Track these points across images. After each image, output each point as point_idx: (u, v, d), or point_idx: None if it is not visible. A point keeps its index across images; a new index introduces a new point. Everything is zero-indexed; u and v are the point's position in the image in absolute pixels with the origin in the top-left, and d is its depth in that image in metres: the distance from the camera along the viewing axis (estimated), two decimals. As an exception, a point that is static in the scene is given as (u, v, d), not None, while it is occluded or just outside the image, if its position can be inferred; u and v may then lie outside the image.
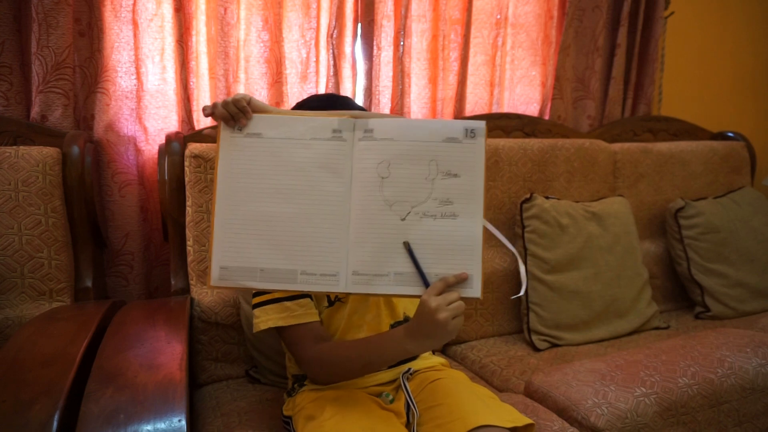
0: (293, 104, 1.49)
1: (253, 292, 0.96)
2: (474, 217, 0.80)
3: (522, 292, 0.89)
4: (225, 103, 0.81)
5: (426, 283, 0.80)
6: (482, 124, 0.81)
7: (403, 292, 0.81)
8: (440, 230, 0.80)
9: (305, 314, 0.92)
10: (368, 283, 0.80)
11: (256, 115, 0.82)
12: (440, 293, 0.79)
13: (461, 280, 0.79)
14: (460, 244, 0.79)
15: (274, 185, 0.81)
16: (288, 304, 0.92)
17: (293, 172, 0.81)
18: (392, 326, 0.99)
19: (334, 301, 0.97)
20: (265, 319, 0.92)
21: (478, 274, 0.79)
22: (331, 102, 0.99)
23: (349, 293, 0.84)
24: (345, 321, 0.96)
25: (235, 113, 0.81)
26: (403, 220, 0.80)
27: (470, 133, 0.80)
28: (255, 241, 0.81)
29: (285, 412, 0.98)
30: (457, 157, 0.80)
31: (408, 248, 0.80)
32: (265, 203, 0.81)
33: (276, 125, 0.82)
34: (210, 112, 0.83)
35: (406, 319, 1.03)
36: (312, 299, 0.95)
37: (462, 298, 0.79)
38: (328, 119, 0.82)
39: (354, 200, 0.80)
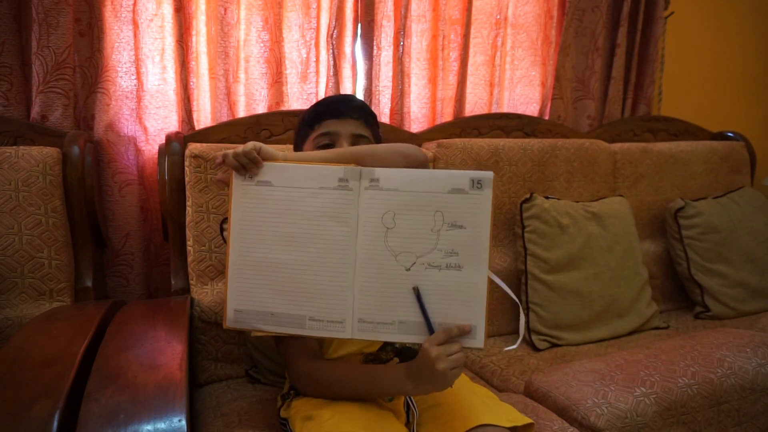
0: (293, 104, 1.51)
1: None
2: (479, 268, 0.79)
3: (516, 345, 0.94)
4: (236, 155, 0.82)
5: (431, 330, 0.80)
6: (489, 174, 0.80)
7: (406, 340, 0.82)
8: (445, 281, 0.80)
9: None
10: (373, 331, 0.82)
11: (266, 164, 0.83)
12: (442, 343, 0.78)
13: (464, 333, 0.79)
14: (464, 296, 0.80)
15: (284, 233, 0.82)
16: None
17: (302, 221, 0.82)
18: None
19: None
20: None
21: (482, 324, 0.79)
22: (345, 102, 1.00)
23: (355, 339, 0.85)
24: None
25: (246, 164, 0.82)
26: (408, 270, 0.80)
27: (477, 184, 0.80)
28: (266, 286, 0.83)
29: (282, 414, 0.98)
30: (462, 208, 0.80)
31: (417, 294, 0.80)
32: (275, 250, 0.83)
33: (285, 173, 0.83)
34: (221, 161, 0.84)
35: None
36: None
37: (465, 348, 0.79)
38: (335, 168, 0.82)
39: (360, 249, 0.81)
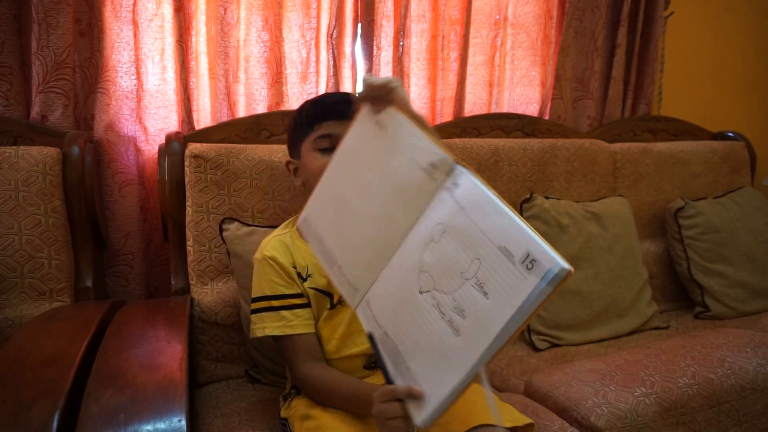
0: (293, 104, 1.51)
1: (252, 296, 0.98)
2: (471, 351, 0.61)
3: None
4: (371, 86, 0.79)
5: (387, 378, 0.70)
6: (554, 264, 0.56)
7: (376, 353, 0.74)
8: (438, 330, 0.65)
9: (300, 325, 0.94)
10: (367, 319, 0.76)
11: (389, 109, 0.79)
12: (387, 400, 0.69)
13: (411, 396, 0.65)
14: (443, 361, 0.64)
15: (366, 180, 0.80)
16: (284, 313, 0.94)
17: (384, 180, 0.78)
18: None
19: (336, 304, 0.97)
20: (261, 326, 0.94)
21: (437, 403, 0.63)
22: (347, 104, 0.96)
23: (352, 311, 0.81)
24: (344, 326, 0.96)
25: (377, 96, 0.79)
26: (420, 293, 0.68)
27: (529, 262, 0.58)
28: (331, 215, 0.84)
29: (282, 414, 0.98)
30: (499, 275, 0.60)
31: (371, 340, 0.73)
32: (352, 190, 0.82)
33: (400, 127, 0.78)
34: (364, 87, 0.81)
35: None
36: (311, 308, 0.96)
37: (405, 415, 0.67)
38: (433, 150, 0.72)
39: (403, 242, 0.74)
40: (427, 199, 0.72)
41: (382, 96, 0.78)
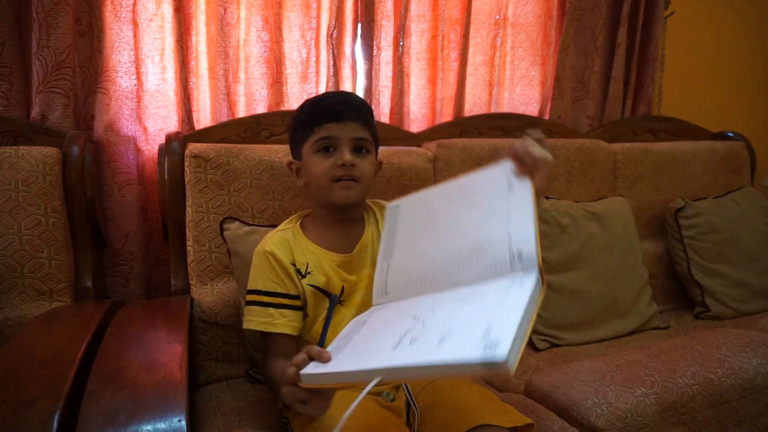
0: (293, 104, 1.51)
1: (247, 288, 0.99)
2: (387, 361, 0.64)
3: None
4: (530, 154, 0.78)
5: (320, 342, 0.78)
6: (502, 356, 0.53)
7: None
8: (387, 338, 0.70)
9: (283, 325, 0.95)
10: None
11: (528, 182, 0.78)
12: (291, 381, 0.72)
13: (320, 358, 0.70)
14: (365, 353, 0.71)
15: (464, 219, 0.83)
16: (272, 311, 0.96)
17: (476, 230, 0.79)
18: None
19: (337, 302, 0.98)
20: (248, 319, 0.97)
21: (325, 371, 0.68)
22: (345, 104, 0.98)
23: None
24: (345, 325, 0.95)
25: (528, 164, 0.79)
26: (393, 349, 0.66)
27: (490, 343, 0.55)
28: (416, 221, 0.91)
29: (284, 413, 0.98)
30: (463, 338, 0.61)
31: (331, 304, 0.86)
32: (447, 217, 0.86)
33: (519, 201, 0.77)
34: None
35: None
36: (301, 312, 0.97)
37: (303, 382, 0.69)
38: (530, 241, 0.71)
39: (447, 291, 0.76)
40: (492, 275, 0.72)
41: (530, 166, 0.78)
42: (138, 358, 0.86)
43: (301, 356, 0.72)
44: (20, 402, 0.70)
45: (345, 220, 1.03)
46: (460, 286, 0.75)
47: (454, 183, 0.89)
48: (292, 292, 0.97)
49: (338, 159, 0.96)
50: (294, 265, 0.98)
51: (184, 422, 0.69)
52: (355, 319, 0.87)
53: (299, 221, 1.06)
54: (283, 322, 0.95)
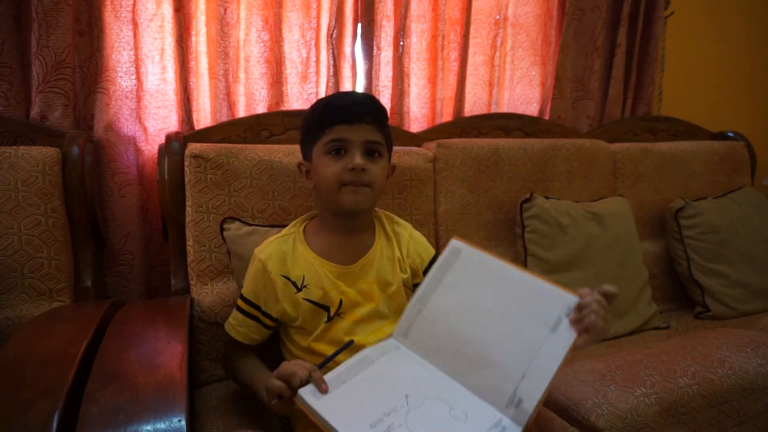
0: (293, 104, 1.51)
1: (241, 292, 1.02)
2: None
3: None
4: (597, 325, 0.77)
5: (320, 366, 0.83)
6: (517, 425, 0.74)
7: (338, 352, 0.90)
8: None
9: (242, 334, 1.01)
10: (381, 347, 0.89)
11: (574, 337, 0.79)
12: (283, 376, 0.80)
13: (319, 388, 0.78)
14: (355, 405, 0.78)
15: (499, 307, 0.85)
16: (249, 321, 1.00)
17: (517, 325, 0.82)
18: None
19: (333, 316, 0.97)
20: (231, 323, 1.03)
21: (317, 407, 0.76)
22: (359, 106, 0.96)
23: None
24: (342, 338, 0.96)
25: (580, 323, 0.79)
26: (371, 427, 0.75)
27: (515, 404, 0.75)
28: (469, 274, 0.92)
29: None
30: (482, 414, 0.76)
31: (349, 344, 0.89)
32: (494, 291, 0.88)
33: (557, 344, 0.79)
34: None
35: None
36: (261, 325, 1.00)
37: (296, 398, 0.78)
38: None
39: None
40: (487, 397, 0.78)
41: (585, 325, 0.77)
42: (138, 358, 0.86)
43: (300, 376, 0.78)
44: (20, 402, 0.70)
45: (353, 229, 1.01)
46: (458, 386, 0.80)
47: (520, 274, 0.87)
48: (272, 312, 0.99)
49: (348, 162, 0.92)
50: (287, 278, 0.97)
51: (184, 422, 0.69)
52: (366, 352, 0.88)
53: (303, 225, 1.05)
54: (244, 331, 1.01)
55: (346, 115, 0.93)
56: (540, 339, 0.78)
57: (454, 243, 0.94)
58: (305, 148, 1.02)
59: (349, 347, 0.90)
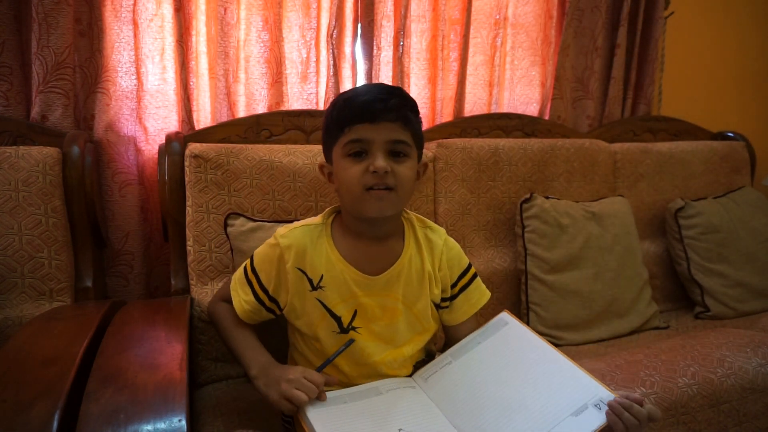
0: (293, 104, 1.51)
1: (252, 255, 0.98)
2: None
3: None
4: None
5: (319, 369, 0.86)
6: None
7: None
8: None
9: (246, 313, 0.96)
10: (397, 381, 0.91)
11: None
12: (306, 377, 0.82)
13: (330, 383, 0.82)
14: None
15: (526, 381, 0.85)
16: (251, 299, 0.96)
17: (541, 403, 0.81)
18: (415, 366, 0.97)
19: (347, 328, 0.92)
20: (235, 288, 0.99)
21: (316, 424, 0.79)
22: (380, 102, 0.85)
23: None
24: (363, 359, 0.92)
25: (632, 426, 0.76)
26: None
27: None
28: (499, 340, 0.94)
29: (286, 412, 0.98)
30: None
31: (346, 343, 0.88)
32: (521, 368, 0.88)
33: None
34: None
35: (428, 355, 1.01)
36: (263, 307, 0.96)
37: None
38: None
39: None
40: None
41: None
42: (138, 358, 0.86)
43: (308, 400, 0.80)
44: (20, 402, 0.70)
45: (379, 235, 0.93)
46: None
47: (559, 357, 0.86)
48: (280, 300, 0.94)
49: (370, 165, 0.84)
50: (303, 272, 0.91)
51: (184, 422, 0.69)
52: (378, 383, 0.88)
53: (331, 218, 0.96)
54: (247, 309, 0.96)
55: (366, 113, 0.84)
56: (559, 419, 0.77)
57: (504, 315, 0.94)
58: (326, 149, 0.93)
59: (349, 346, 0.90)
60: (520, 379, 0.84)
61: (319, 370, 0.84)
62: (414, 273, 0.93)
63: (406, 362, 0.95)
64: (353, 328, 0.91)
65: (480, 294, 1.00)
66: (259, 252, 0.97)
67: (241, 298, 0.96)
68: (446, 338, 1.04)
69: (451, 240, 1.00)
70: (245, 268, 0.97)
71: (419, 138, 0.91)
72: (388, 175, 0.85)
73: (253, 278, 0.95)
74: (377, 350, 0.92)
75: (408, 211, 0.99)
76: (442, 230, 1.00)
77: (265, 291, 0.94)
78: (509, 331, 0.92)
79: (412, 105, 0.89)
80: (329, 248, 0.92)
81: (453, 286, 0.98)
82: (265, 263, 0.95)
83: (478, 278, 1.01)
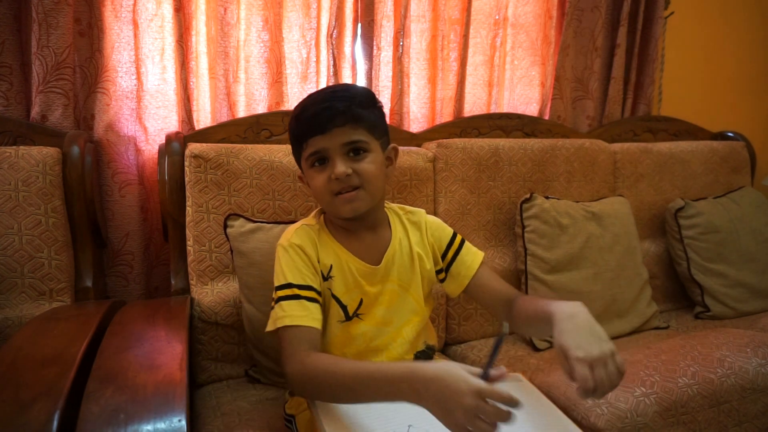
0: (293, 104, 1.51)
1: (275, 285, 0.91)
2: None
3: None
4: None
5: (485, 375, 0.71)
6: None
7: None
8: None
9: (314, 319, 0.87)
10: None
11: None
12: (486, 397, 0.67)
13: (511, 403, 0.67)
14: None
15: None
16: (308, 304, 0.88)
17: None
18: (416, 356, 0.97)
19: (352, 317, 0.94)
20: (283, 315, 0.87)
21: None
22: (326, 111, 0.87)
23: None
24: (363, 342, 0.94)
25: None
26: None
27: None
28: None
29: (287, 411, 0.97)
30: None
31: (499, 339, 0.74)
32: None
33: None
34: None
35: (428, 348, 1.01)
36: (320, 305, 0.90)
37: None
38: None
39: None
40: None
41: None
42: (138, 358, 0.86)
43: (498, 411, 0.69)
44: (20, 402, 0.70)
45: (366, 226, 0.97)
46: None
47: (562, 418, 0.89)
48: (319, 288, 0.91)
49: (331, 173, 0.88)
50: (319, 263, 0.93)
51: (184, 422, 0.69)
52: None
53: (321, 216, 0.99)
54: (313, 316, 0.87)
55: (316, 126, 0.88)
56: None
57: (518, 375, 0.96)
58: (297, 161, 0.98)
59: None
60: (523, 420, 0.84)
61: (486, 377, 0.71)
62: (405, 255, 0.98)
63: (405, 345, 0.96)
64: (358, 315, 0.94)
65: (473, 255, 1.03)
66: (282, 269, 0.91)
67: (312, 316, 0.88)
68: (478, 299, 1.05)
69: (431, 216, 1.06)
70: (285, 297, 0.89)
71: (377, 127, 0.92)
72: (351, 176, 0.88)
73: (301, 291, 0.90)
74: (379, 334, 0.95)
75: (389, 203, 1.04)
76: (422, 210, 1.06)
77: (311, 288, 0.90)
78: (521, 387, 0.94)
79: (360, 100, 0.90)
80: (331, 241, 0.95)
81: (444, 256, 1.02)
82: (294, 270, 0.91)
83: (467, 243, 1.05)
